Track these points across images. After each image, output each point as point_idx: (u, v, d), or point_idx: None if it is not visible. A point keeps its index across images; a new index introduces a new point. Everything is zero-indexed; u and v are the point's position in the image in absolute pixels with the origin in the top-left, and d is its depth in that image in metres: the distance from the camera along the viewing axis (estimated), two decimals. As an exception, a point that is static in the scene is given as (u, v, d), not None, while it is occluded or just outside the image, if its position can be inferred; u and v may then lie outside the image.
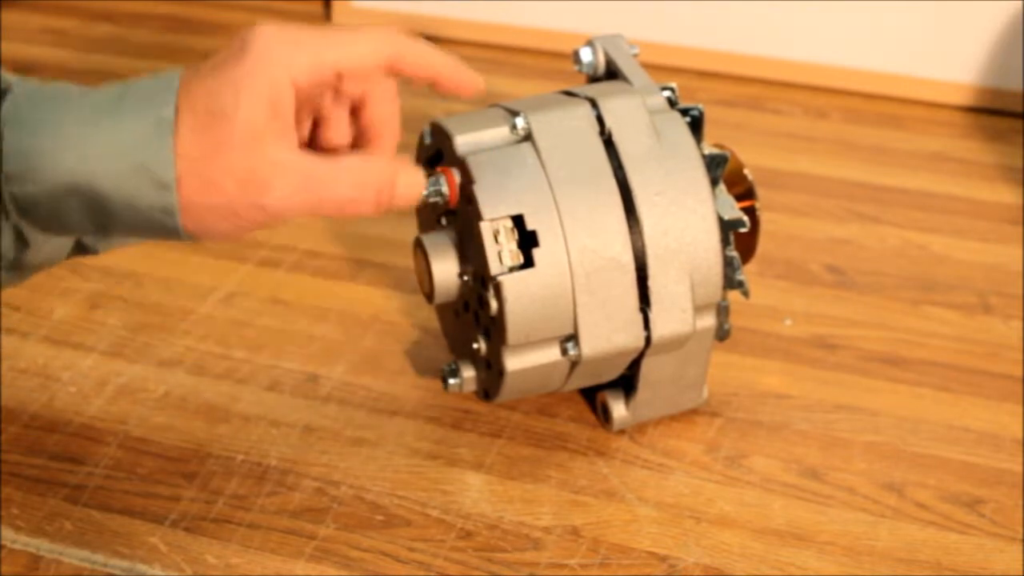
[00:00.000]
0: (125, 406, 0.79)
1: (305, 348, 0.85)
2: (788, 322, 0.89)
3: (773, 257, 0.94)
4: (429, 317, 0.87)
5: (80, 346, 0.84)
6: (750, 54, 1.23)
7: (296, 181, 0.56)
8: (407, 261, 0.91)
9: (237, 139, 0.55)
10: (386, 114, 0.61)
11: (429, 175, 0.71)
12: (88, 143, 0.54)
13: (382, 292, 0.91)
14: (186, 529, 0.71)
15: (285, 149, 0.56)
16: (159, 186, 0.55)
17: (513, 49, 1.28)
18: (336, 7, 1.33)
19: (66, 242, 0.60)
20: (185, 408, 0.80)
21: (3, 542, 0.70)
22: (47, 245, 0.59)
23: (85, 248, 0.61)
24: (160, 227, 0.56)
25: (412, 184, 0.60)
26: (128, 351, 0.84)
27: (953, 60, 1.18)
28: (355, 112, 0.62)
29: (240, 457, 0.76)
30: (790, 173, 1.08)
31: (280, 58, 0.55)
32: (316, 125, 0.62)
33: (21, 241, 0.57)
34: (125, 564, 0.69)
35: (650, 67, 0.76)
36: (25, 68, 1.23)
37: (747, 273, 0.74)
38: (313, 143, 0.63)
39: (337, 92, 0.61)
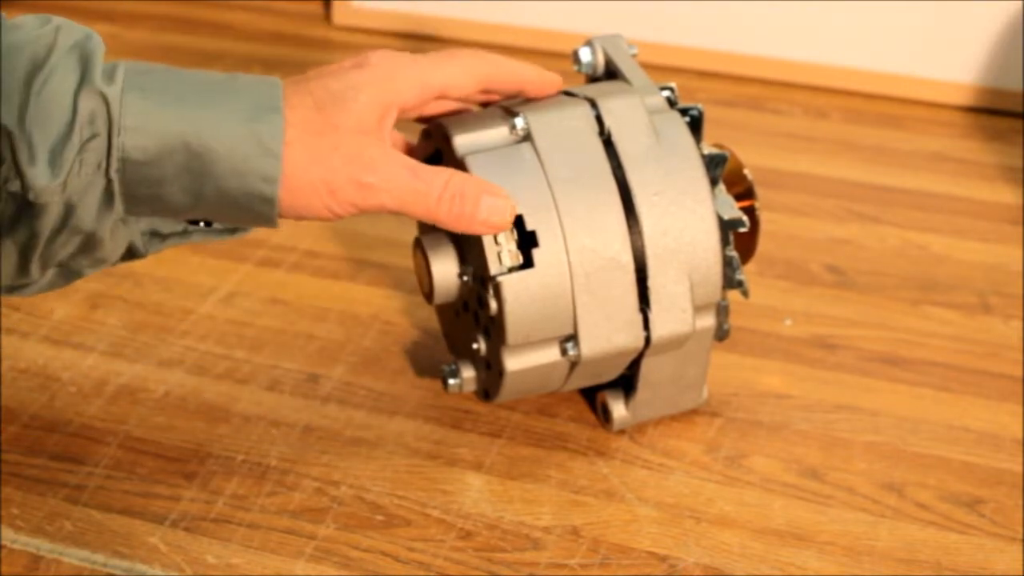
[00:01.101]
0: (125, 406, 0.80)
1: (305, 348, 0.85)
2: (788, 322, 0.89)
3: (773, 257, 0.94)
4: (429, 317, 0.87)
5: (80, 346, 0.84)
6: (750, 54, 1.23)
7: (399, 170, 0.61)
8: (407, 261, 0.91)
9: (350, 125, 0.60)
10: (514, 83, 0.70)
11: None
12: (204, 106, 0.57)
13: (382, 292, 0.91)
14: (186, 529, 0.71)
15: (388, 145, 0.62)
16: (267, 153, 0.58)
17: (513, 49, 1.28)
18: (336, 7, 1.33)
19: (124, 236, 0.61)
20: (185, 408, 0.80)
21: (3, 542, 0.70)
22: (115, 231, 0.59)
23: (134, 251, 0.63)
24: (257, 197, 0.58)
25: (498, 205, 0.65)
26: (128, 351, 0.84)
27: (953, 60, 1.18)
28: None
29: (240, 457, 0.76)
30: (790, 173, 1.08)
31: (395, 78, 0.62)
32: None
33: (107, 205, 0.58)
34: (125, 564, 0.69)
35: (650, 67, 0.76)
36: (25, 68, 1.23)
37: (747, 273, 0.74)
38: None
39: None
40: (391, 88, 0.61)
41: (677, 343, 0.72)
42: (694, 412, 0.80)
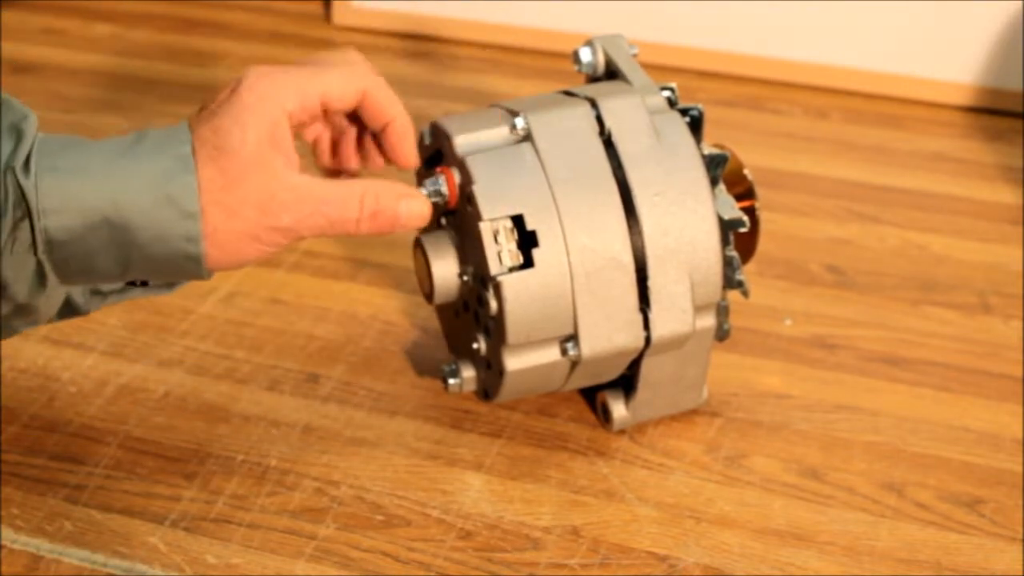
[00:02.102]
0: (125, 406, 0.79)
1: (305, 348, 0.85)
2: (788, 322, 0.89)
3: (773, 257, 0.94)
4: (429, 317, 0.87)
5: (80, 346, 0.84)
6: (750, 54, 1.23)
7: (309, 203, 0.61)
8: (407, 261, 0.91)
9: (250, 168, 0.59)
10: (386, 111, 0.66)
11: (428, 175, 0.71)
12: (117, 179, 0.58)
13: (382, 292, 0.91)
14: (186, 529, 0.71)
15: (293, 173, 0.61)
16: (185, 215, 0.58)
17: (513, 49, 1.28)
18: (336, 7, 1.33)
19: (58, 296, 0.62)
20: (185, 408, 0.80)
21: (3, 542, 0.70)
22: (51, 296, 0.60)
23: (74, 308, 0.64)
24: (184, 257, 0.59)
25: (415, 207, 0.65)
26: (128, 351, 0.84)
27: (953, 60, 1.18)
28: (377, 135, 0.68)
29: (240, 457, 0.76)
30: (790, 173, 1.08)
31: (271, 93, 0.61)
32: (335, 148, 0.70)
33: (40, 282, 0.59)
34: (125, 564, 0.69)
35: (650, 67, 0.76)
36: (25, 68, 1.23)
37: (747, 273, 0.74)
38: (334, 162, 0.70)
39: (349, 121, 0.68)
40: (272, 104, 0.60)
41: (677, 343, 0.72)
42: (694, 412, 0.80)
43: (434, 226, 0.75)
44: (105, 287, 0.64)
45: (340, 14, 1.33)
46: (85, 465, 0.75)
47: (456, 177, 0.69)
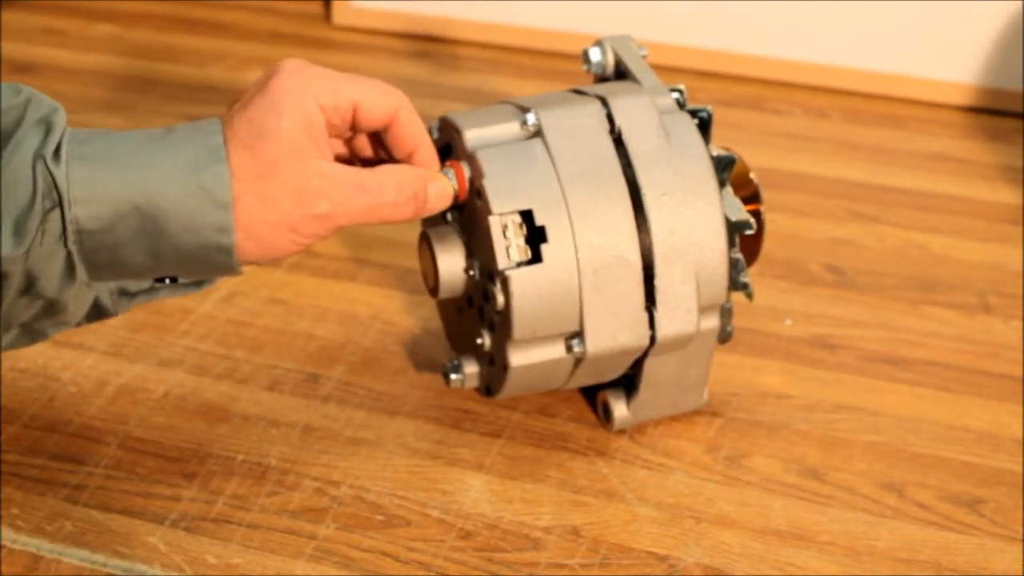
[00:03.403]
0: (125, 406, 0.79)
1: (305, 348, 0.85)
2: (788, 322, 0.89)
3: (773, 257, 0.94)
4: (429, 317, 0.87)
5: (80, 346, 0.84)
6: (750, 54, 1.23)
7: (346, 189, 0.61)
8: (407, 261, 0.91)
9: (285, 156, 0.59)
10: (416, 136, 0.65)
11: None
12: (147, 167, 0.57)
13: (382, 292, 0.91)
14: (186, 529, 0.71)
15: (329, 162, 0.61)
16: (217, 205, 0.58)
17: (513, 49, 1.28)
18: (336, 7, 1.33)
19: (88, 296, 0.61)
20: (185, 408, 0.80)
21: (3, 542, 0.70)
22: (80, 295, 0.60)
23: (103, 310, 0.63)
24: (215, 248, 0.58)
25: (441, 188, 0.66)
26: (128, 351, 0.84)
27: (953, 60, 1.18)
28: (388, 144, 0.66)
29: (240, 457, 0.76)
30: (790, 173, 1.08)
31: (306, 85, 0.60)
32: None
33: (69, 274, 0.58)
34: (125, 564, 0.69)
35: (650, 67, 0.76)
36: (25, 68, 1.23)
37: (748, 273, 0.74)
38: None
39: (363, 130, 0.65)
40: (307, 95, 0.60)
41: (681, 343, 0.72)
42: (694, 412, 0.80)
43: (440, 221, 0.75)
44: (133, 286, 0.63)
45: (340, 14, 1.33)
46: (85, 465, 0.75)
47: (466, 171, 0.69)
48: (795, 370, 0.84)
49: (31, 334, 0.62)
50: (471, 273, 0.72)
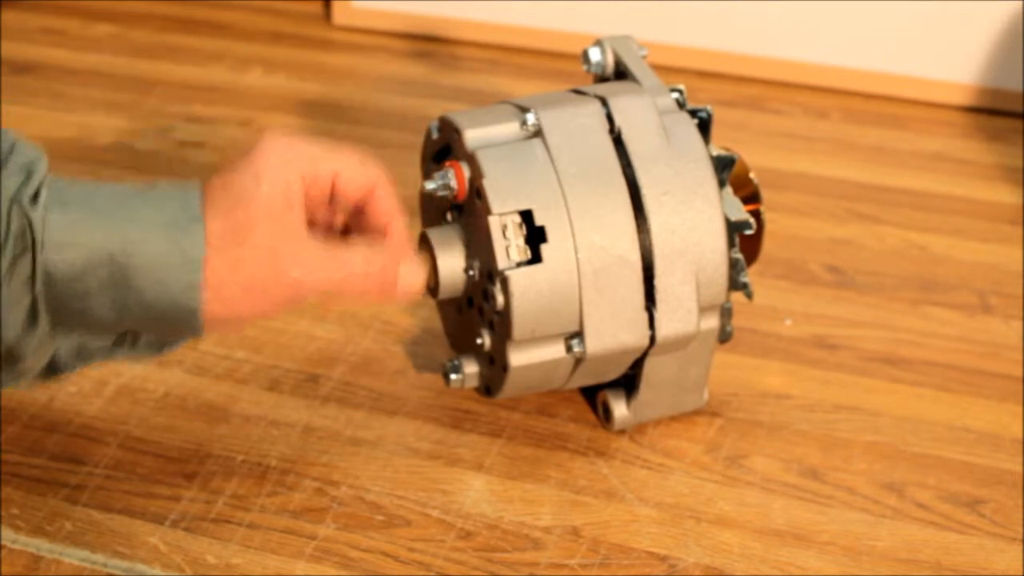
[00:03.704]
0: (125, 406, 0.79)
1: (305, 348, 0.85)
2: (788, 322, 0.89)
3: (773, 257, 0.94)
4: (429, 317, 0.87)
5: (80, 346, 0.84)
6: (750, 54, 1.23)
7: (318, 258, 0.61)
8: (407, 261, 0.91)
9: (261, 219, 0.59)
10: (389, 212, 0.65)
11: (437, 169, 0.71)
12: (130, 219, 0.58)
13: (382, 292, 0.91)
14: (186, 529, 0.71)
15: (303, 230, 0.61)
16: (189, 264, 0.58)
17: (513, 49, 1.28)
18: (336, 7, 1.33)
19: (47, 350, 0.60)
20: (185, 408, 0.80)
21: (3, 542, 0.70)
22: (41, 347, 0.59)
23: (57, 366, 0.62)
24: (182, 308, 0.58)
25: (413, 272, 0.66)
26: (128, 351, 0.84)
27: (953, 60, 1.18)
28: (362, 218, 0.66)
29: (240, 457, 0.76)
30: (790, 173, 1.08)
31: (288, 157, 0.61)
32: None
33: (32, 321, 0.58)
34: (125, 564, 0.69)
35: (650, 67, 0.76)
36: (25, 68, 1.23)
37: (747, 273, 0.74)
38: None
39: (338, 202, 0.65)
40: (288, 167, 0.60)
41: (681, 343, 0.72)
42: (694, 412, 0.80)
43: (439, 221, 0.75)
44: (92, 344, 0.63)
45: (340, 14, 1.33)
46: (85, 465, 0.75)
47: (465, 171, 0.69)
48: (795, 370, 0.84)
49: None
50: (471, 273, 0.72)
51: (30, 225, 0.56)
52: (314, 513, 0.72)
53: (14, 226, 0.56)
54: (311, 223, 0.64)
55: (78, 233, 0.57)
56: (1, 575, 0.68)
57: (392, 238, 0.65)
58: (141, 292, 0.58)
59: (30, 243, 0.56)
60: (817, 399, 0.82)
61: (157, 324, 0.60)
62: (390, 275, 0.64)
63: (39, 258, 0.56)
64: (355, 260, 0.62)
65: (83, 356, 0.63)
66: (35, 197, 0.57)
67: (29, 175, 0.57)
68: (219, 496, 0.73)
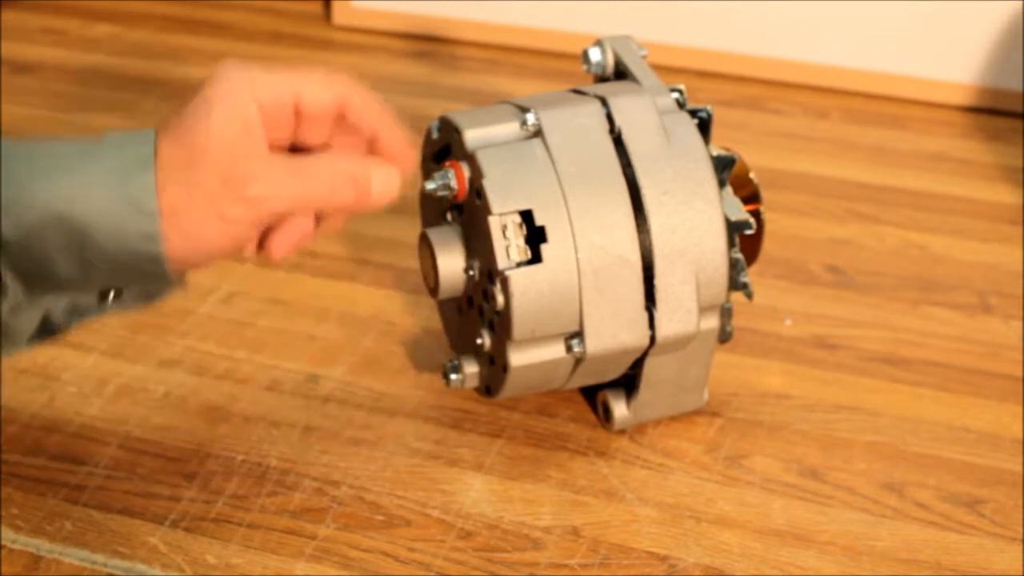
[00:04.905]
0: (125, 406, 0.79)
1: (305, 348, 0.85)
2: (788, 322, 0.89)
3: (773, 257, 0.94)
4: (429, 317, 0.87)
5: (80, 346, 0.84)
6: (750, 54, 1.23)
7: (276, 171, 0.58)
8: (407, 261, 0.91)
9: (214, 143, 0.57)
10: (372, 120, 0.62)
11: (437, 169, 0.71)
12: (73, 176, 0.55)
13: (382, 292, 0.91)
14: (186, 529, 0.71)
15: (263, 151, 0.58)
16: (143, 213, 0.56)
17: (513, 49, 1.28)
18: (336, 7, 1.33)
19: (33, 315, 0.60)
20: (185, 408, 0.80)
21: (3, 542, 0.70)
22: (18, 314, 0.58)
23: (52, 327, 0.61)
24: (144, 257, 0.56)
25: (385, 176, 0.62)
26: (128, 351, 0.84)
27: (953, 60, 1.18)
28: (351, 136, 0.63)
29: (240, 457, 0.76)
30: (790, 173, 1.08)
31: (243, 82, 0.58)
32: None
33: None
34: (125, 564, 0.69)
35: (650, 67, 0.76)
36: (25, 68, 1.23)
37: (747, 273, 0.74)
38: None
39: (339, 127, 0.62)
40: (244, 93, 0.58)
41: (681, 343, 0.72)
42: (694, 412, 0.80)
43: (439, 221, 0.75)
44: (81, 302, 0.62)
45: (340, 14, 1.33)
46: (85, 465, 0.75)
47: (465, 171, 0.69)
48: (795, 370, 0.84)
49: None
50: (471, 273, 0.72)
51: None
52: (314, 513, 0.72)
53: None
54: (283, 148, 0.62)
55: (23, 195, 0.55)
56: (1, 575, 0.68)
57: (382, 143, 0.62)
58: (100, 247, 0.56)
59: None
60: (817, 399, 0.82)
61: (125, 276, 0.58)
62: (362, 183, 0.61)
63: None
64: (320, 172, 0.59)
65: (76, 313, 0.62)
66: None
67: None
68: (219, 496, 0.73)
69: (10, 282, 0.57)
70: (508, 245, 0.68)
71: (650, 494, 0.74)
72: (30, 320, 0.60)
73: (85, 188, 0.55)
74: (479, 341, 0.73)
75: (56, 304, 0.61)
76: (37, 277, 0.57)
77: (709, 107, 0.74)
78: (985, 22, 1.16)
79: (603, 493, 0.74)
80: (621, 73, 0.76)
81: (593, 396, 0.80)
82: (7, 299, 0.57)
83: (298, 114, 0.60)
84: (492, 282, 0.69)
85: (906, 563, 0.70)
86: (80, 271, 0.57)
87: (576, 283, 0.69)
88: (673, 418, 0.79)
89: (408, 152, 0.64)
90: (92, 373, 0.82)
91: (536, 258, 0.68)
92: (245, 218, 0.58)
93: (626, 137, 0.70)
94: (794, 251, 0.97)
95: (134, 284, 0.60)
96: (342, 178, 0.60)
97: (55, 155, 0.56)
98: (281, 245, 0.63)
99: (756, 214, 0.76)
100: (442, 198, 0.71)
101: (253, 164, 0.57)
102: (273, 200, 0.58)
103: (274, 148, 0.60)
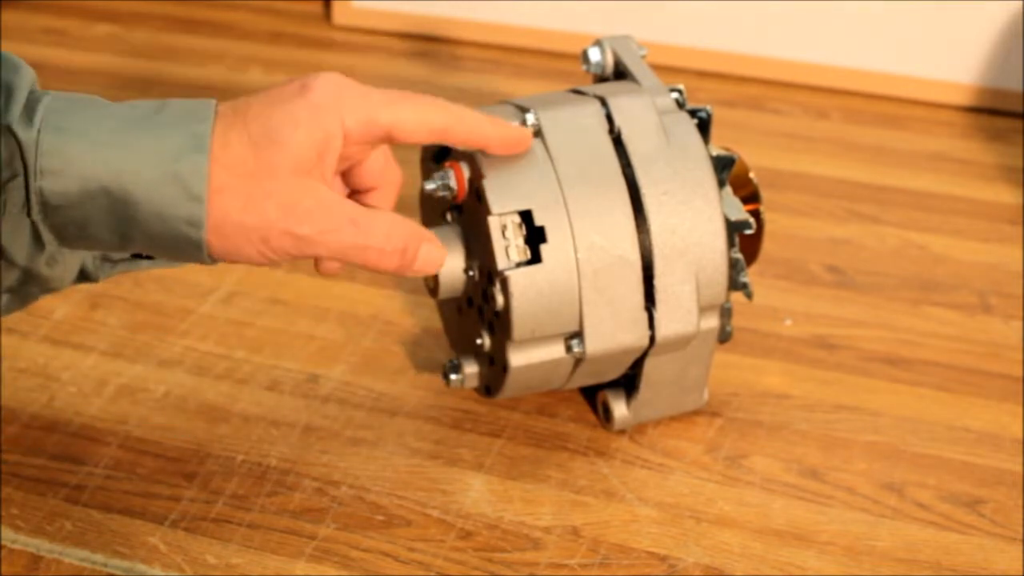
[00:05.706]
0: (125, 406, 0.80)
1: (305, 348, 0.85)
2: (788, 322, 0.89)
3: (773, 257, 0.94)
4: (429, 317, 0.87)
5: (80, 346, 0.84)
6: (750, 54, 1.23)
7: (336, 220, 0.57)
8: (407, 261, 0.91)
9: (287, 166, 0.56)
10: (384, 166, 0.64)
11: (437, 169, 0.71)
12: (125, 147, 0.55)
13: (382, 292, 0.91)
14: (186, 529, 0.71)
15: (327, 188, 0.58)
16: (190, 197, 0.55)
17: (513, 49, 1.28)
18: (336, 7, 1.33)
19: (73, 263, 0.60)
20: (185, 408, 0.80)
21: (3, 542, 0.70)
22: (56, 264, 0.58)
23: (87, 274, 0.61)
24: (184, 240, 0.56)
25: (433, 254, 0.63)
26: (128, 351, 0.84)
27: (953, 60, 1.18)
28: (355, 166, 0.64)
29: (240, 457, 0.76)
30: (790, 173, 1.08)
31: (340, 107, 0.57)
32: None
33: (37, 243, 0.56)
34: (125, 564, 0.69)
35: (650, 67, 0.76)
36: (25, 68, 1.23)
37: (748, 274, 0.74)
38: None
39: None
40: (334, 118, 0.57)
41: (681, 343, 0.72)
42: (694, 412, 0.80)
43: (439, 221, 0.75)
44: (114, 255, 0.61)
45: (340, 14, 1.33)
46: (85, 465, 0.75)
47: (465, 171, 0.69)
48: (795, 370, 0.84)
49: (23, 299, 0.60)
50: (471, 273, 0.72)
51: (20, 149, 0.53)
52: (314, 513, 0.72)
53: (3, 152, 0.53)
54: (350, 170, 0.61)
55: (72, 162, 0.54)
56: (1, 575, 0.68)
57: (491, 150, 0.63)
58: (141, 223, 0.55)
59: (21, 168, 0.54)
60: (817, 399, 0.82)
61: (163, 251, 0.58)
62: (410, 255, 0.61)
63: (32, 185, 0.54)
64: (376, 232, 0.59)
65: (108, 264, 0.61)
66: (29, 118, 0.54)
67: (10, 92, 0.54)
68: (219, 496, 0.73)
69: (47, 238, 0.56)
70: (508, 245, 0.68)
71: (650, 494, 0.74)
72: (69, 270, 0.59)
73: (137, 164, 0.54)
74: (479, 341, 0.73)
75: (88, 255, 0.60)
76: (73, 238, 0.57)
77: (709, 107, 0.74)
78: (985, 22, 1.16)
79: (603, 493, 0.74)
80: (621, 73, 0.76)
81: (593, 396, 0.80)
82: (45, 253, 0.57)
83: (390, 138, 0.60)
84: (492, 282, 0.69)
85: (906, 563, 0.70)
86: (118, 239, 0.57)
87: (576, 283, 0.69)
88: (673, 418, 0.79)
89: (522, 136, 0.65)
90: (92, 373, 0.82)
91: (536, 258, 0.68)
92: (287, 251, 0.58)
93: (626, 137, 0.71)
94: (794, 251, 0.97)
95: (169, 258, 0.60)
96: (394, 244, 0.60)
97: (111, 123, 0.55)
98: (328, 268, 0.64)
99: (756, 214, 0.76)
100: (442, 198, 0.71)
101: (315, 204, 0.57)
102: (320, 246, 0.58)
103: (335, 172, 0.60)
